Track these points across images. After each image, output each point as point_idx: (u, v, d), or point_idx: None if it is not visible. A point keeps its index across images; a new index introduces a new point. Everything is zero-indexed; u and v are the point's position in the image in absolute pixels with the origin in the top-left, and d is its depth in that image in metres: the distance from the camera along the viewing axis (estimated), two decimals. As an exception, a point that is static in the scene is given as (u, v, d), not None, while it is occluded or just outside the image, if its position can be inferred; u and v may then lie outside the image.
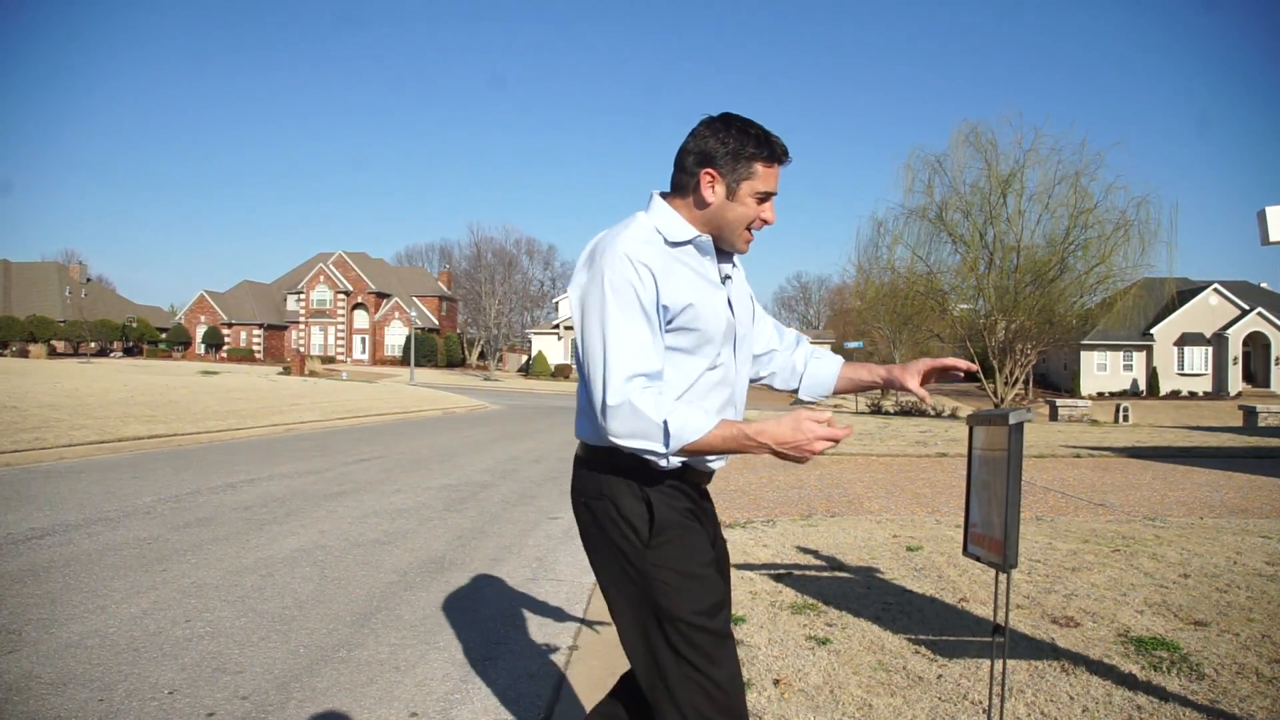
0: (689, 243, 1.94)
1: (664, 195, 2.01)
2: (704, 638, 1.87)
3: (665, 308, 1.86)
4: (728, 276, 2.03)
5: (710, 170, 1.93)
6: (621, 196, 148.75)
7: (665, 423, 1.79)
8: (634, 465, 1.90)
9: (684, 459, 1.89)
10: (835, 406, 37.25)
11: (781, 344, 2.29)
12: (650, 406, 1.79)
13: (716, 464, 2.04)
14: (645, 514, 1.91)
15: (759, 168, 1.93)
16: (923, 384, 2.12)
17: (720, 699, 1.87)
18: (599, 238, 1.95)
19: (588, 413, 1.94)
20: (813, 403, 2.27)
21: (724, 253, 2.04)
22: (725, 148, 1.92)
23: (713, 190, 1.94)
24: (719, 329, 1.94)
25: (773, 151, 1.94)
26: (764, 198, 1.96)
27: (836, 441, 1.80)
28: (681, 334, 1.89)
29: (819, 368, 2.26)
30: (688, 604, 1.87)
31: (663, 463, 1.84)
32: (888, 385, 2.17)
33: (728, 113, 1.97)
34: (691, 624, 1.86)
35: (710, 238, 1.97)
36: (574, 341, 1.98)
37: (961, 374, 2.12)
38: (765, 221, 1.98)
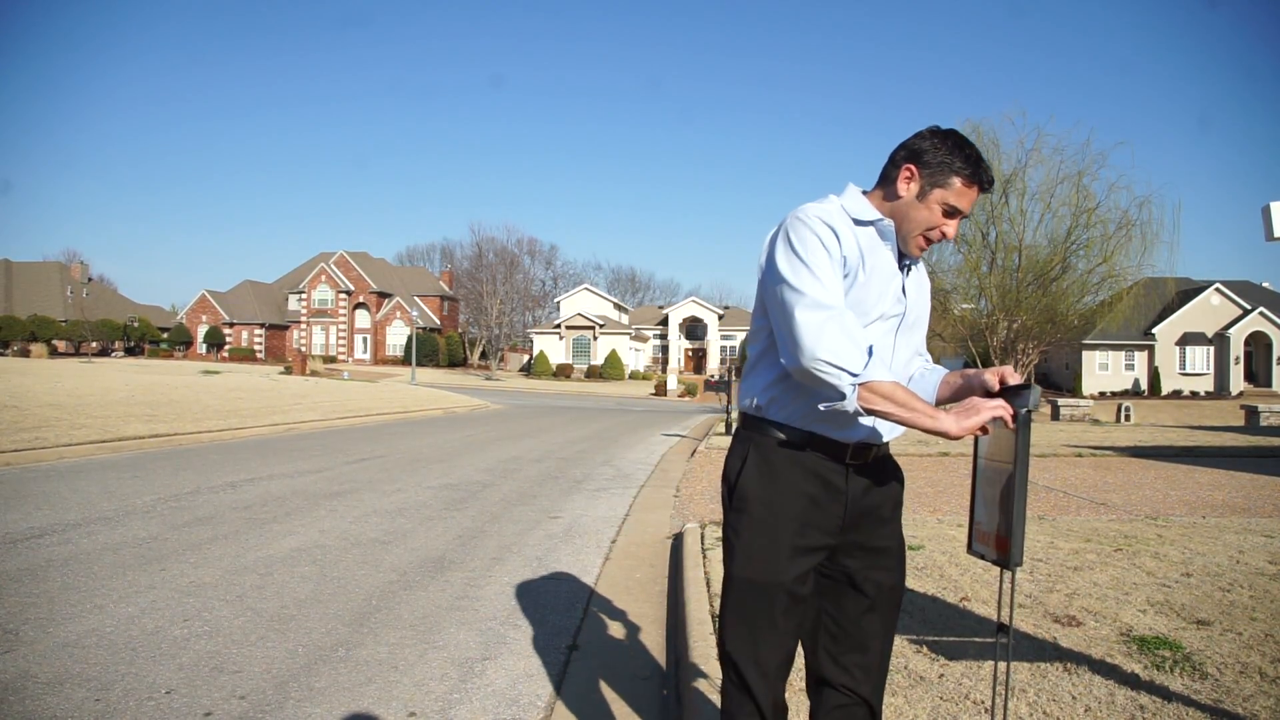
0: (871, 224, 2.02)
1: (863, 191, 2.09)
2: (754, 607, 1.99)
3: (847, 258, 1.94)
4: (909, 265, 2.09)
5: (911, 166, 2.00)
6: (624, 195, 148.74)
7: (871, 347, 1.85)
8: (756, 433, 2.04)
9: (820, 427, 1.96)
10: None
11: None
12: (854, 327, 1.86)
13: (849, 435, 2.00)
14: (735, 477, 2.06)
15: (957, 182, 1.98)
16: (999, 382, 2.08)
17: (753, 675, 2.00)
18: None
19: (755, 376, 2.07)
20: None
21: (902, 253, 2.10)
22: (934, 153, 1.98)
23: (907, 186, 2.01)
24: (881, 306, 1.99)
25: (976, 173, 1.98)
26: (951, 212, 2.00)
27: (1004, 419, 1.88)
28: (847, 287, 1.95)
29: (924, 378, 2.24)
30: (745, 572, 2.00)
31: (825, 406, 1.88)
32: (974, 381, 2.11)
33: (954, 129, 2.05)
34: (746, 590, 2.00)
35: (892, 224, 2.02)
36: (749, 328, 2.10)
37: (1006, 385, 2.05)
38: (945, 235, 2.02)
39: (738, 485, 2.05)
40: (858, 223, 2.00)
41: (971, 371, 2.12)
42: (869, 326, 1.98)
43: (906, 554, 2.18)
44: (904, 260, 2.08)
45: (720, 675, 3.42)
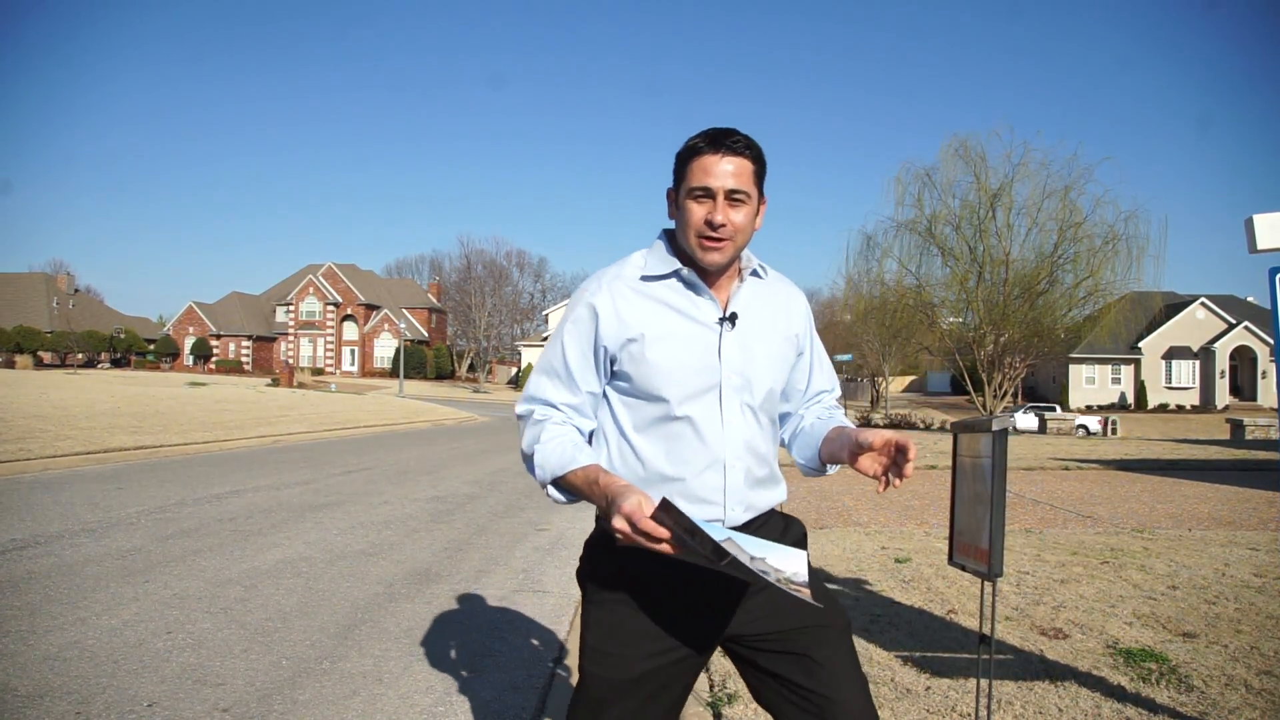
0: (668, 276, 1.74)
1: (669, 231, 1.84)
2: (602, 710, 1.70)
3: (606, 346, 1.72)
4: (734, 315, 1.75)
5: (669, 190, 1.78)
6: (613, 209, 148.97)
7: (532, 454, 1.71)
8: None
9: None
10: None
11: (799, 406, 1.96)
12: (531, 432, 1.74)
13: (699, 504, 1.71)
14: (587, 565, 1.79)
15: (692, 165, 1.69)
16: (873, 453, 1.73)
17: None
18: None
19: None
20: (816, 471, 1.93)
21: (766, 284, 1.84)
22: (675, 162, 1.75)
23: (672, 208, 1.77)
24: (680, 371, 1.69)
25: (703, 140, 1.69)
26: (701, 194, 1.68)
27: (651, 541, 1.45)
28: (630, 366, 1.71)
29: (812, 429, 1.91)
30: (592, 667, 1.72)
31: (557, 496, 1.73)
32: (848, 437, 1.76)
33: None
34: (591, 688, 1.72)
35: (694, 272, 1.73)
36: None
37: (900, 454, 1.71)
38: (712, 222, 1.67)
39: (580, 570, 1.81)
40: (648, 279, 1.74)
41: (862, 432, 1.74)
42: (683, 403, 1.70)
43: (826, 586, 1.82)
44: (748, 299, 1.79)
45: (706, 687, 3.41)
